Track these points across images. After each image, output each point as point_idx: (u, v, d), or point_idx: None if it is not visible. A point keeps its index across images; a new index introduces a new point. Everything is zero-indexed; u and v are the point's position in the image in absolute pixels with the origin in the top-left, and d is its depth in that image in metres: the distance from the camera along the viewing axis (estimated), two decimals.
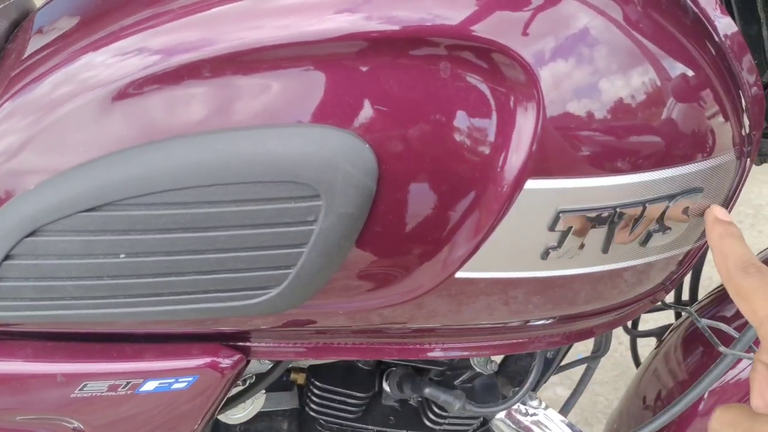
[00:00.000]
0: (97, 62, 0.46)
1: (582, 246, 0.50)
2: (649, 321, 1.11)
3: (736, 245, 0.50)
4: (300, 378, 0.89)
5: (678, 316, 0.96)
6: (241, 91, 0.45)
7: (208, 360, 0.57)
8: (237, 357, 0.58)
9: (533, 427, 0.84)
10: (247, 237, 0.47)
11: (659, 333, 1.04)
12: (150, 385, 0.57)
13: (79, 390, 0.56)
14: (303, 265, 0.48)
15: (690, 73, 0.47)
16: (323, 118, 0.45)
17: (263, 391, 0.77)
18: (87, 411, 0.57)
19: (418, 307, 0.53)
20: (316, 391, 0.78)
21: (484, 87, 0.45)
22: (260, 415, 0.92)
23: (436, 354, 0.60)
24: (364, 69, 0.44)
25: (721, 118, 0.49)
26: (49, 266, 0.49)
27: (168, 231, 0.47)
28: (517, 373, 0.88)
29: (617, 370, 1.78)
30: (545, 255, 0.49)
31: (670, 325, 0.97)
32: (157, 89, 0.45)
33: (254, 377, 0.70)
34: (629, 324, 0.99)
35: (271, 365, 0.70)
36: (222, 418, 0.76)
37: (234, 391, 0.70)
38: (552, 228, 0.48)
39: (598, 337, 0.95)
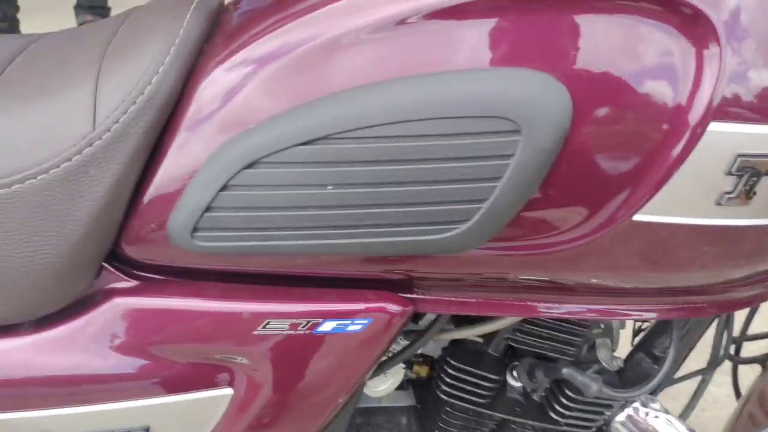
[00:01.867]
0: (322, 13, 0.52)
1: (756, 194, 0.53)
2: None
3: None
4: (423, 371, 0.91)
5: None
6: (457, 37, 0.50)
7: (382, 305, 0.61)
8: (407, 306, 0.62)
9: (657, 428, 0.85)
10: (447, 170, 0.51)
11: (764, 360, 1.03)
12: (327, 326, 0.61)
13: (262, 327, 0.60)
14: (495, 200, 0.52)
15: None
16: (527, 62, 0.50)
17: (402, 365, 0.80)
18: (264, 349, 0.61)
19: (589, 253, 0.57)
20: (450, 371, 0.81)
21: (670, 34, 0.50)
22: (379, 410, 0.95)
23: (597, 314, 0.63)
24: (565, 17, 0.50)
25: None
26: (261, 197, 0.54)
27: (374, 163, 0.52)
28: (640, 376, 0.89)
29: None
30: (720, 200, 0.53)
31: None
32: (379, 37, 0.51)
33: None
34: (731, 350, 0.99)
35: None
36: (367, 390, 0.79)
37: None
38: (729, 172, 0.51)
39: (714, 349, 0.96)
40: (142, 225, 0.57)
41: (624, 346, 0.90)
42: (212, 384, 0.64)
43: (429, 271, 0.60)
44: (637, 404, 0.89)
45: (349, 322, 0.61)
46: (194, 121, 0.54)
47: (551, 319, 0.74)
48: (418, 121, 0.51)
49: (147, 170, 0.56)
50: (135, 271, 0.62)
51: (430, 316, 0.76)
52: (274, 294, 0.61)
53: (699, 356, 0.99)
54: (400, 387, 0.97)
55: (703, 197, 0.53)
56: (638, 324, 0.97)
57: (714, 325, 0.93)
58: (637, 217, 0.54)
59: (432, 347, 0.86)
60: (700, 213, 0.54)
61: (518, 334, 0.78)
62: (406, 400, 0.98)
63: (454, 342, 0.83)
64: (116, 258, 0.61)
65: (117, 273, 0.62)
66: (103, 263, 0.61)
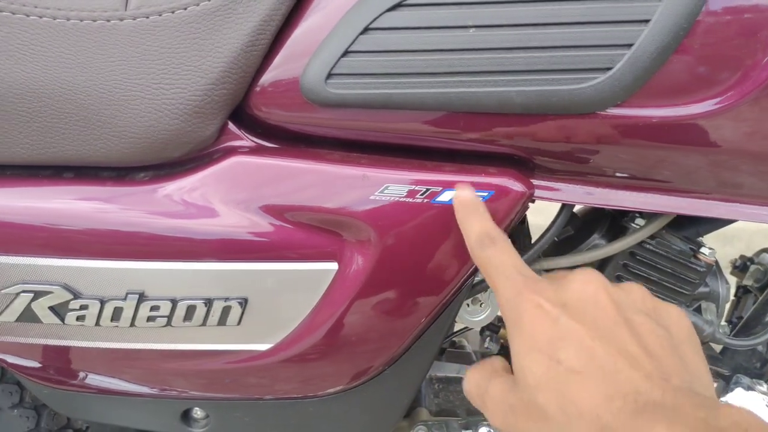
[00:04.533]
0: None
1: None
2: None
3: (474, 221, 0.55)
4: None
5: None
6: None
7: (503, 180, 0.60)
8: (529, 187, 0.60)
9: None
10: (592, 9, 0.52)
11: None
12: (446, 196, 0.59)
13: (380, 192, 0.59)
14: (640, 46, 0.52)
15: None
16: None
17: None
18: (380, 216, 0.60)
19: (727, 122, 0.55)
20: None
21: None
22: (458, 380, 0.91)
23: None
24: None
25: None
26: (402, 39, 0.54)
27: (517, 3, 0.53)
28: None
29: None
30: None
31: None
32: None
33: None
34: None
35: None
36: (464, 321, 0.76)
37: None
38: None
39: None
40: (275, 77, 0.58)
41: None
42: (318, 256, 0.62)
43: (555, 143, 0.59)
44: (740, 388, 0.83)
45: None
46: None
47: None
48: None
49: (288, 18, 0.57)
50: (255, 137, 0.63)
51: None
52: (393, 163, 0.60)
53: None
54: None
55: None
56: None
57: None
58: None
59: None
60: None
61: (631, 264, 0.74)
62: None
63: None
64: (240, 119, 0.61)
65: (239, 133, 0.62)
66: (228, 121, 0.61)
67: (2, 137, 0.57)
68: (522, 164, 0.62)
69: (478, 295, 0.75)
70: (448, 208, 0.59)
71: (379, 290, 0.63)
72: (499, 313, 0.78)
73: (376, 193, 0.59)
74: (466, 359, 0.96)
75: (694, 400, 0.40)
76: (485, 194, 0.59)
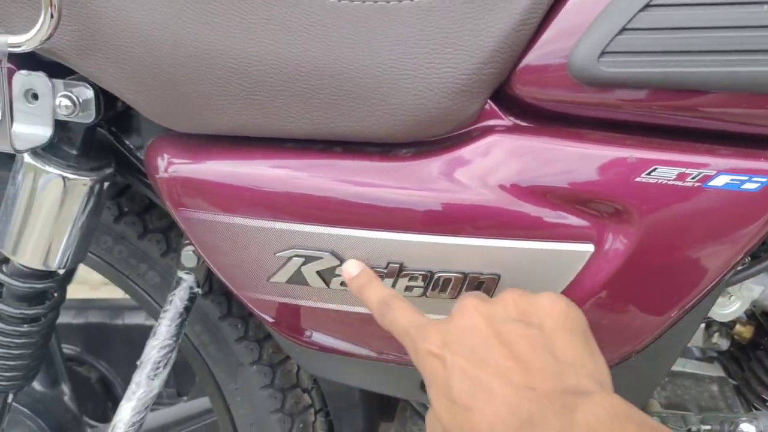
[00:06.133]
0: None
1: None
2: None
3: (370, 290, 0.58)
4: (747, 331, 0.82)
5: None
6: None
7: None
8: None
9: None
10: None
11: None
12: (720, 180, 0.57)
13: (647, 174, 0.58)
14: None
15: None
16: None
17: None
18: (645, 200, 0.58)
19: None
20: None
21: None
22: (686, 374, 0.87)
23: None
24: None
25: None
26: (688, 16, 0.52)
27: None
28: None
29: None
30: None
31: None
32: None
33: None
34: None
35: None
36: (711, 313, 0.73)
37: None
38: None
39: None
40: (540, 56, 0.58)
41: None
42: (574, 236, 0.62)
43: None
44: None
45: (746, 178, 0.56)
46: None
47: None
48: None
49: None
50: (512, 116, 0.63)
51: None
52: (661, 145, 0.59)
53: None
54: (707, 359, 0.89)
55: None
56: None
57: None
58: None
59: None
60: None
61: None
62: (712, 371, 0.89)
63: None
64: (498, 98, 0.62)
65: (498, 112, 0.63)
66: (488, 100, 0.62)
67: (285, 113, 0.61)
68: None
69: (729, 288, 0.72)
70: (721, 193, 0.57)
71: (637, 276, 0.61)
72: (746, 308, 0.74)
73: (642, 175, 0.58)
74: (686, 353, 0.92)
75: (555, 405, 0.42)
76: (764, 180, 0.56)
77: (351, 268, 0.62)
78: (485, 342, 0.47)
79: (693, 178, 0.57)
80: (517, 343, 0.47)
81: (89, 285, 2.13)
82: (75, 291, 1.58)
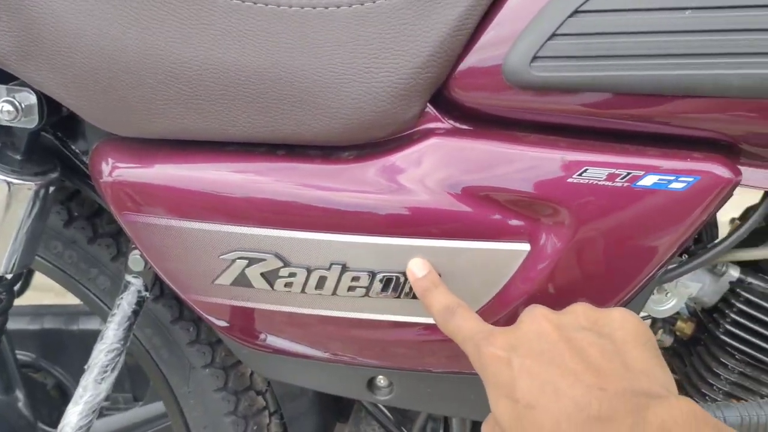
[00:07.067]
0: None
1: None
2: None
3: (435, 296, 0.59)
4: (687, 328, 0.85)
5: None
6: None
7: (710, 166, 0.58)
8: (736, 174, 0.59)
9: None
10: None
11: None
12: (648, 180, 0.59)
13: (578, 174, 0.59)
14: None
15: None
16: None
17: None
18: (576, 200, 0.60)
19: None
20: (740, 306, 0.74)
21: None
22: None
23: None
24: None
25: None
26: (614, 21, 0.54)
27: None
28: None
29: None
30: None
31: None
32: None
33: None
34: None
35: None
36: (647, 310, 0.75)
37: None
38: None
39: None
40: (476, 60, 0.60)
41: None
42: (511, 236, 0.63)
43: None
44: None
45: (672, 178, 0.58)
46: None
47: None
48: None
49: (493, 2, 0.58)
50: (450, 119, 0.64)
51: None
52: (592, 147, 0.60)
53: None
54: None
55: None
56: None
57: None
58: None
59: (710, 292, 0.80)
60: None
61: None
62: None
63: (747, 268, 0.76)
64: (437, 102, 0.64)
65: (437, 115, 0.64)
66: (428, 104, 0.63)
67: (227, 117, 0.62)
68: (726, 149, 0.60)
69: (665, 285, 0.74)
70: (649, 193, 0.59)
71: (571, 273, 0.63)
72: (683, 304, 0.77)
73: (574, 176, 0.60)
74: None
75: (627, 405, 0.42)
76: (690, 180, 0.58)
77: (417, 270, 0.63)
78: (554, 347, 0.48)
79: (622, 178, 0.59)
80: (588, 350, 0.47)
81: (54, 292, 2.10)
82: (40, 298, 1.56)
